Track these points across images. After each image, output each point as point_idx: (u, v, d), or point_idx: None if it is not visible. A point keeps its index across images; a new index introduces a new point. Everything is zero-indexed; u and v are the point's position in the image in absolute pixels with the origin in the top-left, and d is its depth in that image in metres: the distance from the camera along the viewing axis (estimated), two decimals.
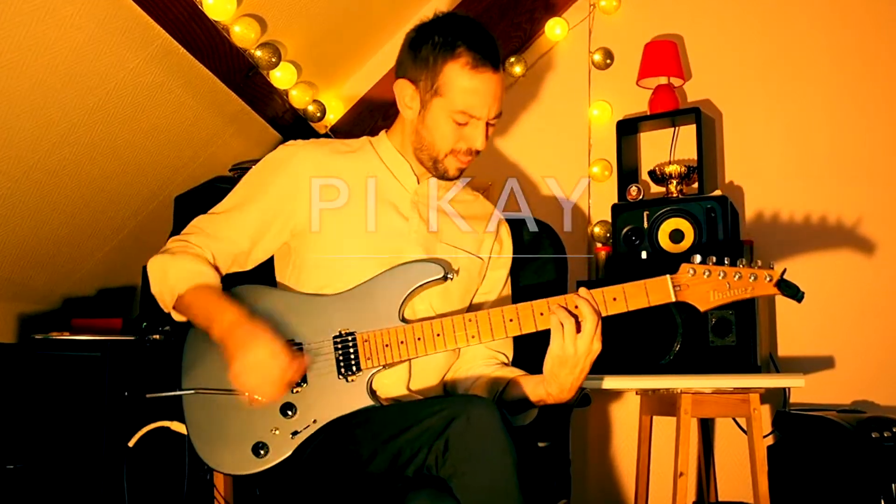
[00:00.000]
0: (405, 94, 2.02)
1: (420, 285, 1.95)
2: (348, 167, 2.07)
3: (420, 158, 2.06)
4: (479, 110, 1.97)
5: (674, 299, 1.84)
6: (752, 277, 1.81)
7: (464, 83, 1.95)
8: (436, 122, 1.99)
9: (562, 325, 1.83)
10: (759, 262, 1.82)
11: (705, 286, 1.83)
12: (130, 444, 1.99)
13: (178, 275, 1.97)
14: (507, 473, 1.65)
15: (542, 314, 1.88)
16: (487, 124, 2.00)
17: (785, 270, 1.81)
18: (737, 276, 1.82)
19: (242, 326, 1.85)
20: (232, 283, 2.03)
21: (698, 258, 1.84)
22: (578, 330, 1.83)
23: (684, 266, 1.84)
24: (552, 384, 1.89)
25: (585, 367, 1.85)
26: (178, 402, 1.97)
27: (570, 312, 1.84)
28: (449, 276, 1.96)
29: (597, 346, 1.84)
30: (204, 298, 1.94)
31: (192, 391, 1.95)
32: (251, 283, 2.03)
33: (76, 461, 2.73)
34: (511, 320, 1.90)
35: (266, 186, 2.05)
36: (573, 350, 1.83)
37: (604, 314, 1.85)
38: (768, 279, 1.80)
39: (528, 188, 3.45)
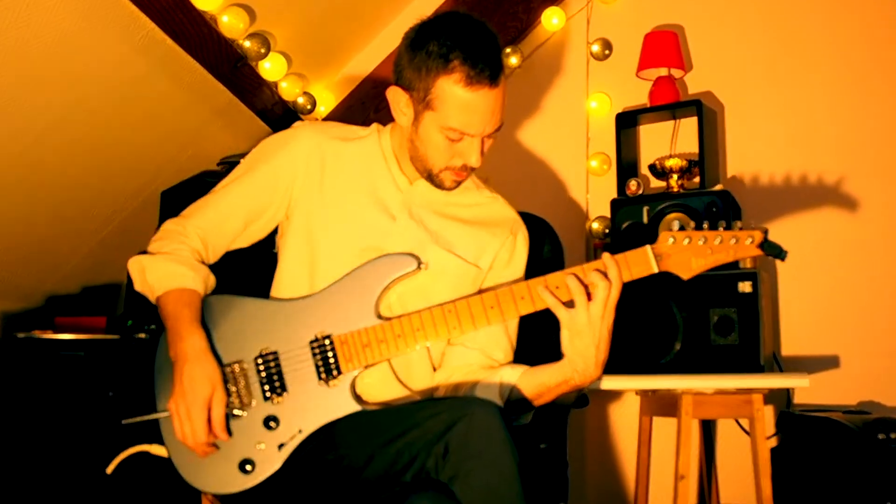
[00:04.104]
0: (399, 101, 1.96)
1: (393, 279, 1.92)
2: (347, 155, 2.04)
3: (415, 166, 2.02)
4: (473, 128, 1.90)
5: (656, 270, 1.83)
6: (734, 240, 1.81)
7: (457, 100, 1.87)
8: (428, 135, 1.93)
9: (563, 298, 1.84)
10: (740, 225, 1.82)
11: (686, 253, 1.82)
12: (109, 470, 1.95)
13: (155, 276, 1.97)
14: (510, 474, 1.65)
15: (522, 298, 1.86)
16: (484, 138, 1.94)
17: (767, 231, 1.81)
18: (718, 241, 1.81)
19: (191, 363, 1.86)
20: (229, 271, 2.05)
21: (677, 225, 1.84)
22: (590, 299, 1.82)
23: (664, 234, 1.83)
24: (576, 360, 1.85)
25: (603, 334, 1.82)
26: (155, 424, 1.94)
27: (580, 282, 1.83)
28: (422, 265, 1.93)
29: (608, 316, 1.83)
30: (173, 312, 1.93)
31: (168, 413, 1.92)
32: (240, 285, 2.03)
33: (59, 464, 2.73)
34: (492, 307, 1.88)
35: (264, 162, 2.04)
36: (585, 318, 1.81)
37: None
38: (750, 241, 1.80)
39: (525, 183, 3.43)
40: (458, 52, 1.84)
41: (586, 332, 1.82)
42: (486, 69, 1.85)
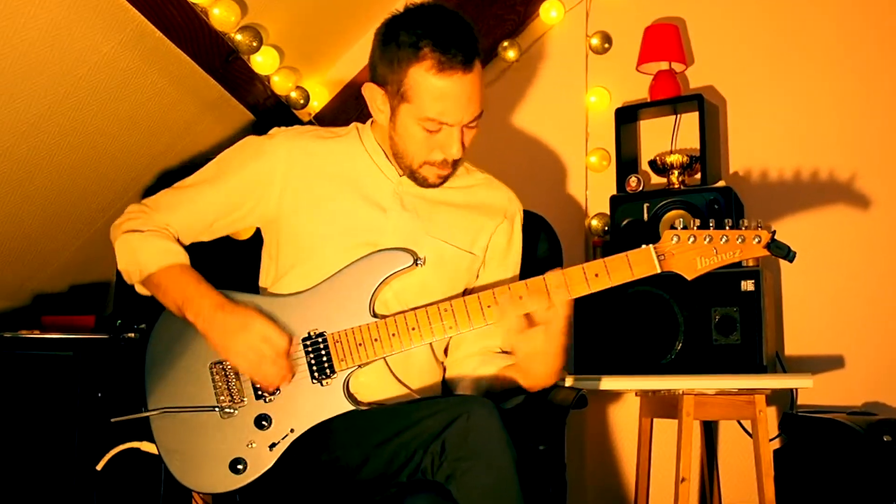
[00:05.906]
0: (375, 98, 1.95)
1: (389, 275, 1.91)
2: (328, 154, 2.03)
3: (398, 164, 2.00)
4: (449, 116, 1.87)
5: (659, 270, 1.82)
6: (740, 239, 1.80)
7: (431, 88, 1.84)
8: (405, 129, 1.91)
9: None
10: (746, 224, 1.80)
11: (691, 253, 1.81)
12: (99, 467, 1.95)
13: (148, 253, 1.96)
14: (508, 473, 1.64)
15: (521, 297, 1.84)
16: (464, 128, 1.91)
17: (774, 231, 1.80)
18: (723, 240, 1.81)
19: (226, 310, 1.86)
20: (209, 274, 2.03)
21: (681, 223, 1.82)
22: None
23: (667, 233, 1.82)
24: (527, 362, 1.87)
25: (555, 335, 1.82)
26: (146, 422, 1.94)
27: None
28: (418, 261, 1.91)
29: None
30: (179, 280, 1.94)
31: (160, 411, 1.92)
32: (228, 283, 2.00)
33: (46, 466, 2.70)
34: (489, 307, 1.86)
35: (239, 168, 2.03)
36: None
37: (588, 291, 1.83)
38: (757, 240, 1.80)
39: (523, 179, 3.35)
40: (427, 40, 1.83)
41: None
42: (459, 54, 1.82)
